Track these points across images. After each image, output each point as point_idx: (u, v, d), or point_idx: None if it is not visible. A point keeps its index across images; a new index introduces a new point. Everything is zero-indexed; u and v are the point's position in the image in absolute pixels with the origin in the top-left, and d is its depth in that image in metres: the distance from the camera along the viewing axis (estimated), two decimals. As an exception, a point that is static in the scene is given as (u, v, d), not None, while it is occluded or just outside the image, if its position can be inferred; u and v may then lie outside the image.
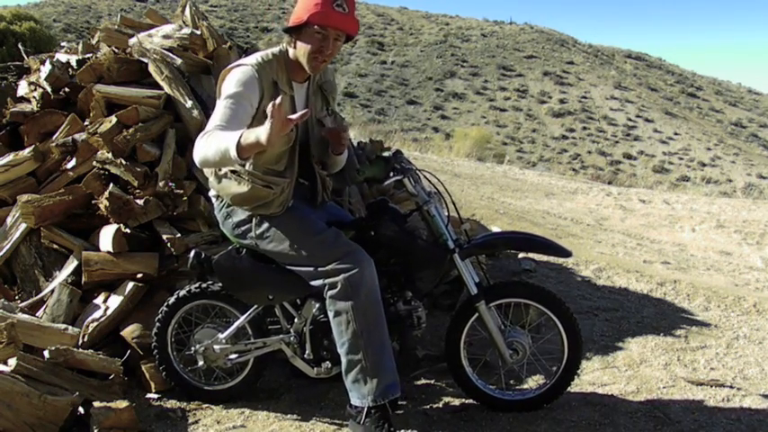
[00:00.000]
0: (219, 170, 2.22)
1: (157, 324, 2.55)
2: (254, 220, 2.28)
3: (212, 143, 1.95)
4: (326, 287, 2.22)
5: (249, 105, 2.11)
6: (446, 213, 2.48)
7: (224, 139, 1.92)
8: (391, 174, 2.37)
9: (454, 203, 2.51)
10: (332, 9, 2.09)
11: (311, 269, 2.24)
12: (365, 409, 2.21)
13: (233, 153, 1.87)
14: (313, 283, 2.26)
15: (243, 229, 2.31)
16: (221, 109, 2.06)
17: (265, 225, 2.27)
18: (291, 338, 2.45)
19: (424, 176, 2.50)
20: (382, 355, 2.22)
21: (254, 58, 2.19)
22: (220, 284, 2.50)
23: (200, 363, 2.54)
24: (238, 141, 1.86)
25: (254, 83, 2.12)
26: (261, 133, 1.82)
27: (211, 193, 2.40)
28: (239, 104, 2.07)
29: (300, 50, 2.17)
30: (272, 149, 2.05)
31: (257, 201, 2.22)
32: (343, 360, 2.24)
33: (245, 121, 2.08)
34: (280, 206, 2.25)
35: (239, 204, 2.27)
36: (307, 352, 2.43)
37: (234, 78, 2.12)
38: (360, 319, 2.19)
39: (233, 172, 2.19)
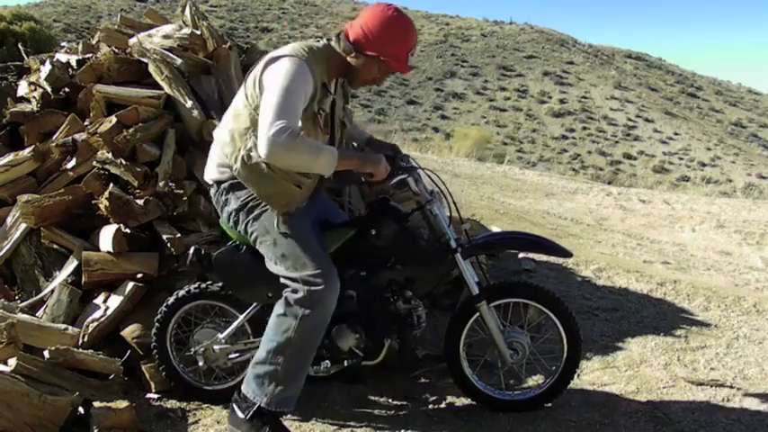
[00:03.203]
0: (248, 158, 2.12)
1: (157, 324, 2.55)
2: (246, 209, 2.26)
3: (309, 150, 1.98)
4: (290, 290, 2.21)
5: (303, 105, 2.08)
6: (447, 213, 2.47)
7: (320, 153, 2.02)
8: (397, 172, 2.34)
9: (455, 203, 2.51)
10: (408, 60, 2.21)
11: (283, 270, 2.22)
12: (256, 407, 2.22)
13: (329, 172, 2.06)
14: (282, 280, 2.23)
15: (236, 218, 2.29)
16: (289, 100, 2.00)
17: (255, 215, 2.25)
18: None
19: (427, 175, 2.49)
20: (301, 371, 2.25)
21: (305, 53, 2.12)
22: (220, 284, 2.50)
23: (201, 363, 2.54)
24: (338, 164, 2.04)
25: (310, 83, 2.09)
26: (358, 160, 2.13)
27: (211, 177, 2.33)
28: (300, 103, 2.05)
29: (356, 71, 2.21)
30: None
31: (284, 198, 2.20)
32: (261, 351, 2.24)
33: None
34: (302, 203, 2.26)
35: (267, 200, 2.21)
36: None
37: (293, 72, 2.05)
38: (300, 333, 2.18)
39: (268, 167, 2.11)
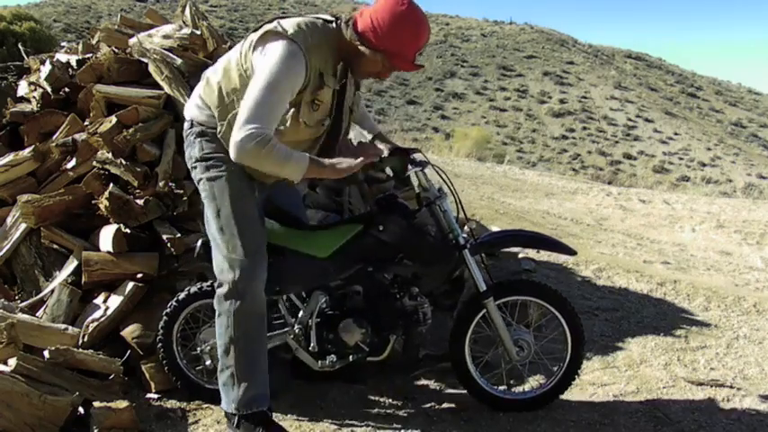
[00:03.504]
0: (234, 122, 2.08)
1: (165, 318, 2.55)
2: (206, 164, 2.20)
3: (275, 158, 1.98)
4: (218, 283, 2.21)
5: (289, 99, 2.05)
6: (454, 212, 2.48)
7: (287, 161, 2.01)
8: (409, 167, 2.34)
9: (460, 203, 2.51)
10: (415, 59, 2.14)
11: (218, 240, 2.19)
12: (234, 417, 2.23)
13: (297, 179, 2.06)
14: (215, 262, 2.21)
15: (195, 164, 2.25)
16: (270, 99, 1.97)
17: (211, 175, 2.19)
18: (297, 330, 2.45)
19: (437, 172, 2.50)
20: (254, 365, 2.22)
21: (307, 34, 2.05)
22: None
23: (207, 362, 2.54)
24: (305, 172, 2.04)
25: (301, 76, 2.03)
26: (330, 169, 2.08)
27: (189, 114, 2.28)
28: (283, 101, 2.02)
29: (360, 62, 2.13)
30: (300, 141, 2.17)
31: (255, 171, 2.17)
32: (220, 360, 2.25)
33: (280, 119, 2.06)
34: (269, 183, 2.28)
35: (250, 170, 2.16)
36: (312, 345, 2.43)
37: (284, 62, 1.99)
38: (238, 326, 2.18)
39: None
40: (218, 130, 2.16)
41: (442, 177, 2.51)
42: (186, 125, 2.32)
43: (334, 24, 2.15)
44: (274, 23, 2.08)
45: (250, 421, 2.22)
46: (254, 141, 1.94)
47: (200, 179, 2.25)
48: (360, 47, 2.09)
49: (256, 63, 2.05)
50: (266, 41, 2.05)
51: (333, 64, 2.15)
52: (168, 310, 2.55)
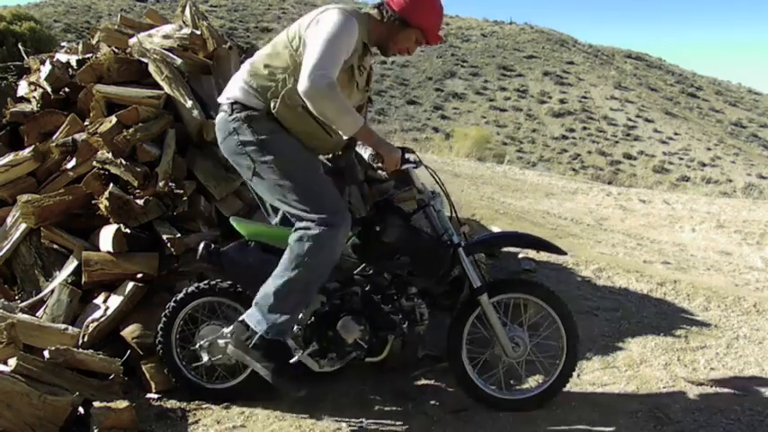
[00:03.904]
0: (289, 99, 2.24)
1: (163, 319, 2.56)
2: (264, 145, 2.28)
3: (340, 105, 2.13)
4: (303, 226, 2.25)
5: (346, 56, 2.21)
6: (447, 214, 2.52)
7: (349, 113, 2.16)
8: (405, 162, 2.39)
9: (453, 206, 2.55)
10: (440, 31, 2.40)
11: (296, 211, 2.27)
12: (258, 336, 2.30)
13: (348, 133, 2.20)
14: (292, 217, 2.30)
15: (247, 149, 2.30)
16: (333, 50, 2.14)
17: (271, 155, 2.28)
18: (296, 331, 2.46)
19: (431, 174, 2.56)
20: (300, 306, 2.33)
21: (355, 13, 2.28)
22: (229, 281, 2.52)
23: (205, 358, 2.54)
24: (357, 131, 2.19)
25: (355, 37, 2.23)
26: (378, 142, 2.26)
27: (233, 96, 2.34)
28: (342, 54, 2.19)
29: (397, 39, 2.36)
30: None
31: (314, 140, 2.33)
32: (269, 285, 2.29)
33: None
34: (331, 150, 2.47)
35: (298, 134, 2.30)
36: (311, 345, 2.44)
37: (344, 25, 2.18)
38: (305, 272, 2.25)
39: (304, 108, 2.22)
40: (273, 106, 2.27)
41: (435, 179, 2.54)
42: (226, 111, 2.35)
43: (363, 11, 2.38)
44: (319, 10, 2.28)
45: (271, 347, 2.30)
46: (326, 82, 2.09)
47: (263, 161, 2.29)
48: (399, 25, 2.33)
49: (310, 33, 2.21)
50: (318, 18, 2.24)
51: (369, 43, 2.36)
52: (167, 311, 2.56)
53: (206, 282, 2.56)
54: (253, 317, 2.32)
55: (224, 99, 2.38)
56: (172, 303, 2.56)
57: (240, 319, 2.37)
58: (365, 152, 2.48)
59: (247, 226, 2.49)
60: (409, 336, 2.50)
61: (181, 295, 2.56)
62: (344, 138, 2.27)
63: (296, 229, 2.28)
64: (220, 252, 2.43)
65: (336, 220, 2.25)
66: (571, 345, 2.52)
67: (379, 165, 2.32)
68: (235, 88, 2.36)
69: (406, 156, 2.40)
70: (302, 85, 2.11)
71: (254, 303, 2.33)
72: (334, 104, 2.13)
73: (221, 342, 2.52)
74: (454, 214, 2.56)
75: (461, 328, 2.54)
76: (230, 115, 2.32)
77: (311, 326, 2.44)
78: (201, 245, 2.47)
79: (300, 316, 2.39)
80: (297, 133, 2.31)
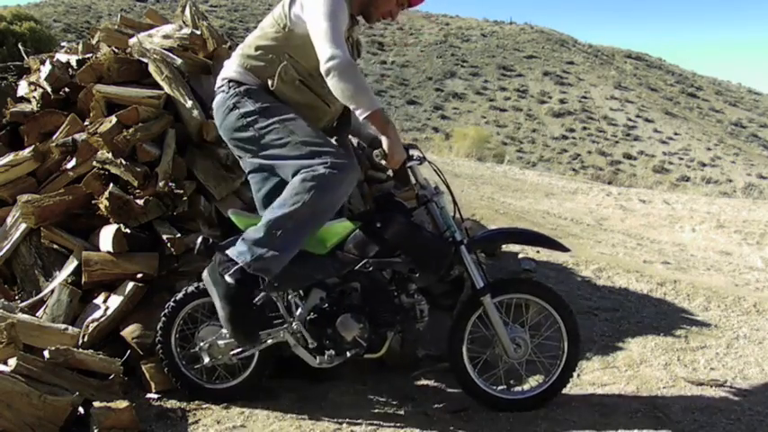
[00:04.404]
0: (285, 74, 2.29)
1: (162, 320, 2.56)
2: (266, 112, 2.31)
3: (359, 83, 2.15)
4: (308, 168, 2.23)
5: (344, 28, 2.25)
6: (450, 212, 2.51)
7: (368, 92, 2.18)
8: (409, 158, 2.39)
9: (455, 202, 2.53)
10: None
11: (304, 161, 2.25)
12: (237, 267, 2.25)
13: (365, 114, 2.16)
14: (299, 171, 2.27)
15: (249, 119, 2.32)
16: (337, 26, 2.17)
17: (274, 117, 2.30)
18: (295, 327, 2.45)
19: (435, 171, 2.55)
20: (292, 246, 2.25)
21: None
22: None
23: (205, 360, 2.54)
24: (373, 112, 2.17)
25: (346, 11, 2.26)
26: (391, 129, 2.24)
27: (228, 76, 2.39)
28: (343, 27, 2.23)
29: (378, 3, 2.38)
30: None
31: (313, 111, 2.36)
32: (263, 220, 2.26)
33: None
34: (328, 122, 2.46)
35: (297, 106, 2.33)
36: (310, 341, 2.44)
37: (336, 1, 2.21)
38: (305, 210, 2.21)
39: (301, 82, 2.29)
40: (271, 84, 2.31)
41: (439, 175, 2.53)
42: (224, 88, 2.39)
43: None
44: None
45: (240, 287, 2.26)
46: (345, 61, 2.13)
47: (267, 126, 2.30)
48: None
49: (301, 10, 2.25)
50: None
51: (353, 12, 2.38)
52: (166, 311, 2.56)
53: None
54: (235, 248, 2.29)
55: (219, 81, 2.43)
56: (171, 303, 2.56)
57: (221, 252, 2.34)
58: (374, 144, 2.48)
59: (246, 220, 2.48)
60: (409, 333, 2.50)
61: (180, 296, 2.56)
62: (360, 117, 2.22)
63: (300, 171, 2.24)
64: (218, 247, 2.42)
65: (344, 163, 2.24)
66: (572, 346, 2.51)
67: (383, 161, 2.31)
68: (229, 70, 2.41)
69: (411, 152, 2.40)
70: (325, 64, 2.13)
71: (240, 238, 2.30)
72: (355, 82, 2.15)
73: (221, 343, 2.51)
74: (457, 212, 2.55)
75: (463, 327, 2.53)
76: (228, 92, 2.37)
77: (310, 322, 2.43)
78: (199, 239, 2.46)
79: (287, 259, 2.28)
80: (296, 105, 2.35)
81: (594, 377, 2.91)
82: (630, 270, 4.35)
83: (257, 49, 2.36)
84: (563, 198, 8.09)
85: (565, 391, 2.61)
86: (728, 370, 2.99)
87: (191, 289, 2.56)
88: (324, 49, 2.16)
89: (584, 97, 35.52)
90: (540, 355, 2.57)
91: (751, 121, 38.04)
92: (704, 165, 28.71)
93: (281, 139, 2.29)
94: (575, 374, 2.77)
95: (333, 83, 2.16)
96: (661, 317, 3.62)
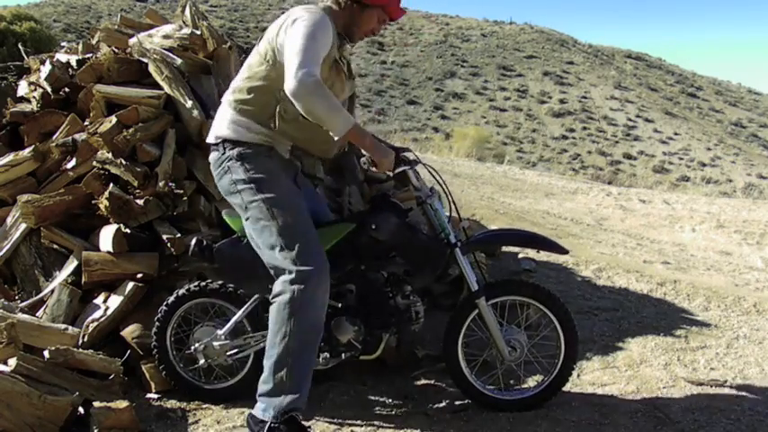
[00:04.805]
0: (285, 113, 2.21)
1: (157, 324, 2.56)
2: (252, 184, 2.24)
3: (329, 104, 2.07)
4: (278, 290, 2.17)
5: (325, 52, 2.18)
6: (447, 212, 2.50)
7: (339, 112, 2.09)
8: (400, 164, 2.34)
9: (454, 203, 2.52)
10: (400, 4, 2.38)
11: (278, 258, 2.18)
12: (267, 425, 2.14)
13: (339, 133, 2.09)
14: (271, 269, 2.22)
15: (239, 187, 2.26)
16: (312, 48, 2.10)
17: (261, 194, 2.23)
18: None
19: (430, 172, 2.52)
20: (303, 381, 2.18)
21: (322, 8, 2.27)
22: (219, 282, 2.51)
23: (201, 361, 2.54)
24: (348, 131, 2.10)
25: (330, 26, 2.21)
26: (371, 143, 2.19)
27: (221, 134, 2.30)
28: (322, 50, 2.15)
29: (360, 23, 2.33)
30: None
31: (324, 143, 2.29)
32: (266, 370, 2.18)
33: None
34: (339, 151, 2.41)
35: (307, 145, 2.32)
36: None
37: (317, 22, 2.16)
38: (298, 338, 2.14)
39: (304, 117, 2.16)
40: (273, 125, 2.24)
41: (434, 176, 2.52)
42: (217, 151, 2.31)
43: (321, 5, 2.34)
44: (286, 15, 2.26)
45: (284, 425, 2.14)
46: (312, 80, 2.03)
47: (252, 201, 2.24)
48: (358, 9, 2.31)
49: (287, 38, 2.16)
50: (287, 24, 2.20)
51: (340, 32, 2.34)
52: (159, 315, 2.55)
53: (196, 284, 2.55)
54: (258, 408, 2.21)
55: (212, 138, 2.34)
56: (164, 307, 2.55)
57: (248, 413, 2.26)
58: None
59: (239, 220, 2.47)
60: (404, 334, 2.48)
61: (171, 299, 2.55)
62: (336, 139, 2.17)
63: (273, 297, 2.19)
64: (213, 248, 2.41)
65: (312, 276, 2.14)
66: (569, 347, 2.49)
67: (373, 169, 2.27)
68: (222, 126, 2.31)
69: (403, 154, 2.38)
70: (289, 86, 2.05)
71: (257, 395, 2.22)
72: (323, 102, 2.06)
73: (216, 345, 2.51)
74: (454, 211, 2.54)
75: (458, 330, 2.51)
76: (222, 154, 2.29)
77: None
78: (193, 241, 2.45)
79: (308, 386, 2.21)
80: (304, 142, 2.30)
81: (594, 377, 2.91)
82: (630, 270, 4.35)
83: (249, 92, 2.26)
84: (563, 198, 8.09)
85: (565, 391, 2.61)
86: (728, 370, 2.99)
87: (182, 292, 2.55)
88: (291, 68, 2.05)
89: (584, 97, 35.50)
90: (539, 354, 2.56)
91: (751, 121, 38.03)
92: (704, 165, 28.69)
93: (261, 221, 2.22)
94: (575, 374, 2.77)
95: (300, 105, 2.07)
96: (661, 317, 3.62)
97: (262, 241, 2.24)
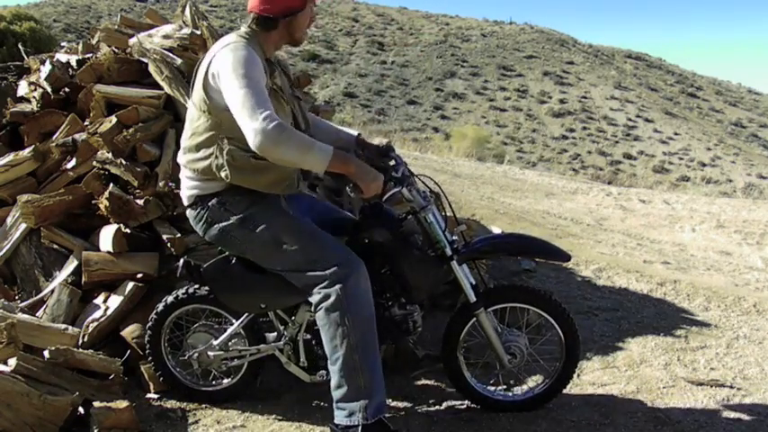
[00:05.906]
0: (234, 160, 2.09)
1: (149, 331, 2.52)
2: (241, 226, 2.17)
3: (299, 143, 1.95)
4: (320, 298, 2.12)
5: (265, 83, 2.06)
6: (443, 215, 2.40)
7: (312, 147, 1.97)
8: (390, 184, 2.20)
9: (450, 204, 2.48)
10: None
11: (305, 274, 2.15)
12: (359, 428, 2.11)
13: (321, 169, 1.99)
14: (306, 288, 2.17)
15: (232, 234, 2.19)
16: (254, 86, 1.96)
17: (256, 228, 2.16)
18: (284, 345, 2.42)
19: (421, 180, 2.43)
20: (376, 372, 2.14)
21: (242, 36, 2.14)
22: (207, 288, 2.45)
23: (196, 366, 2.53)
24: (329, 163, 1.97)
25: (259, 61, 2.07)
26: (356, 167, 2.02)
27: (192, 195, 2.22)
28: (263, 85, 2.02)
29: (293, 30, 2.20)
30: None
31: (286, 180, 2.18)
32: (335, 375, 2.14)
33: None
34: (298, 181, 2.26)
35: (269, 188, 2.16)
36: (301, 359, 2.40)
37: (244, 57, 2.02)
38: (355, 336, 2.09)
39: (255, 157, 2.05)
40: (226, 176, 2.11)
41: (427, 186, 2.43)
42: (193, 210, 2.24)
43: (244, 30, 2.20)
44: (207, 56, 2.15)
45: (373, 429, 2.11)
46: (273, 124, 1.90)
47: (250, 241, 2.18)
48: (283, 22, 2.17)
49: (220, 78, 2.04)
50: (215, 68, 2.07)
51: (269, 57, 2.23)
52: (150, 323, 2.51)
53: (184, 291, 2.49)
54: (340, 415, 2.14)
55: (185, 201, 2.28)
56: (153, 315, 2.51)
57: (331, 424, 2.20)
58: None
59: None
60: (401, 344, 2.43)
61: (161, 306, 2.50)
62: (319, 173, 2.06)
63: (316, 307, 2.13)
64: (200, 269, 2.34)
65: (348, 268, 2.11)
66: (570, 351, 2.46)
67: (361, 195, 2.10)
68: (187, 189, 2.24)
69: (393, 174, 2.22)
70: (254, 143, 1.91)
71: (334, 404, 2.16)
72: (292, 145, 1.93)
73: (211, 354, 2.48)
74: (451, 214, 2.48)
75: (456, 336, 2.47)
76: (200, 210, 2.21)
77: (300, 340, 2.39)
78: (181, 262, 2.38)
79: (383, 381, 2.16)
80: (269, 184, 2.16)
81: (594, 377, 2.91)
82: (630, 270, 4.34)
83: (198, 148, 2.15)
84: (563, 198, 8.09)
85: (565, 391, 2.60)
86: (728, 370, 2.99)
87: (170, 299, 2.50)
88: (246, 125, 1.92)
89: (584, 97, 35.53)
90: (541, 357, 2.55)
91: (751, 121, 38.05)
92: (704, 165, 28.72)
93: (272, 250, 2.16)
94: (575, 374, 2.77)
95: (271, 157, 1.96)
96: (661, 317, 3.62)
97: (282, 268, 2.20)
